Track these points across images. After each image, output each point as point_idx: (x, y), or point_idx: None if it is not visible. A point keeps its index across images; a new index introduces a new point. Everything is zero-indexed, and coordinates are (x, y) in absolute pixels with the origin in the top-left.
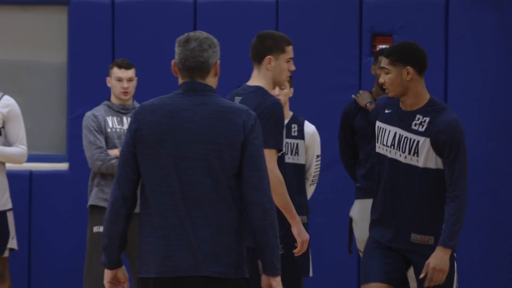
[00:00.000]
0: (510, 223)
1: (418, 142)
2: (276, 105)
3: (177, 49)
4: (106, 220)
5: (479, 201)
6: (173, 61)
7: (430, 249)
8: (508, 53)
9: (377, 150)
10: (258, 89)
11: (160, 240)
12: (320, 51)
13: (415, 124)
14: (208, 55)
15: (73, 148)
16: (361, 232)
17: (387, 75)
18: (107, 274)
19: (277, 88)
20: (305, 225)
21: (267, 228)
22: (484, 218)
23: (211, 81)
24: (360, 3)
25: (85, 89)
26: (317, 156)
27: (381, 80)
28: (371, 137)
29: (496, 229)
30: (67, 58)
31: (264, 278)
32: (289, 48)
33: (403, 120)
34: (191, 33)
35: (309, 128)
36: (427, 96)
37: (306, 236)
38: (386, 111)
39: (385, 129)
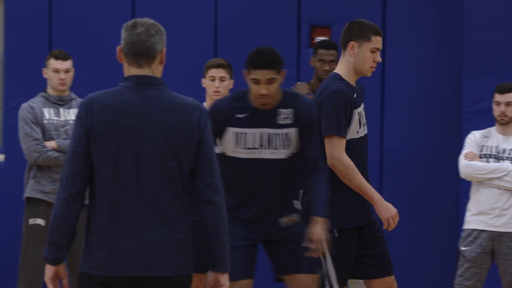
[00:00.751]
0: (444, 213)
1: (289, 134)
2: (335, 92)
3: (123, 34)
4: (56, 216)
5: (414, 192)
6: (118, 47)
7: (298, 225)
8: (444, 46)
9: (233, 155)
10: (333, 75)
11: (112, 239)
12: (258, 42)
13: (282, 119)
14: (155, 41)
15: (9, 140)
16: None
17: (273, 85)
18: (50, 270)
19: (217, 80)
20: None
21: (219, 225)
22: (419, 208)
23: (157, 68)
24: None
25: (21, 80)
26: None
27: (263, 91)
28: None
29: (431, 220)
30: (3, 49)
31: (211, 275)
32: (376, 38)
33: (267, 119)
34: (138, 19)
35: None
36: (279, 90)
37: (389, 212)
38: (239, 116)
39: (245, 133)
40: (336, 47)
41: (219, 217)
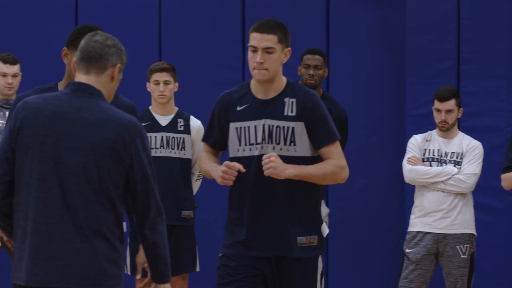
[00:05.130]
0: (389, 214)
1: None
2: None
3: (81, 42)
4: None
5: (359, 195)
6: (74, 59)
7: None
8: (387, 50)
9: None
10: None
11: (31, 247)
12: (203, 45)
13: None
14: (110, 52)
15: None
16: None
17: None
18: None
19: (161, 84)
20: (191, 220)
21: (158, 241)
22: (364, 211)
23: (104, 81)
24: None
25: None
26: None
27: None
28: None
29: (376, 223)
30: None
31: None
32: (251, 35)
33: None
34: (101, 31)
35: (195, 123)
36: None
37: (218, 174)
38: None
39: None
40: (321, 53)
41: (155, 234)
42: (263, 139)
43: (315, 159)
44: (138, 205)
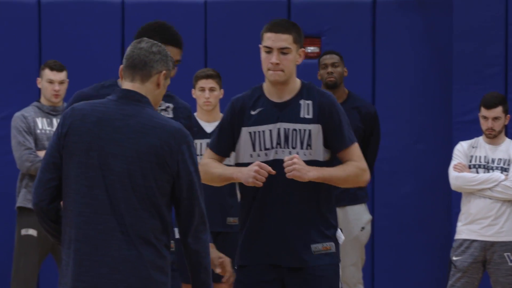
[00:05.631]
0: (436, 221)
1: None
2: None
3: (127, 49)
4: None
5: (406, 201)
6: (121, 66)
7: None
8: (433, 55)
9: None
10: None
11: (76, 253)
12: (248, 52)
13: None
14: (155, 59)
15: (1, 149)
16: None
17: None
18: None
19: (207, 91)
20: (236, 226)
21: (200, 250)
22: (411, 218)
23: (150, 88)
24: (288, 5)
25: (12, 90)
26: None
27: None
28: None
29: (423, 230)
30: None
31: None
32: (266, 36)
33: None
34: (146, 38)
35: None
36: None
37: (249, 174)
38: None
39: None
40: (337, 52)
41: (199, 243)
42: (278, 143)
43: (326, 164)
44: (182, 212)
